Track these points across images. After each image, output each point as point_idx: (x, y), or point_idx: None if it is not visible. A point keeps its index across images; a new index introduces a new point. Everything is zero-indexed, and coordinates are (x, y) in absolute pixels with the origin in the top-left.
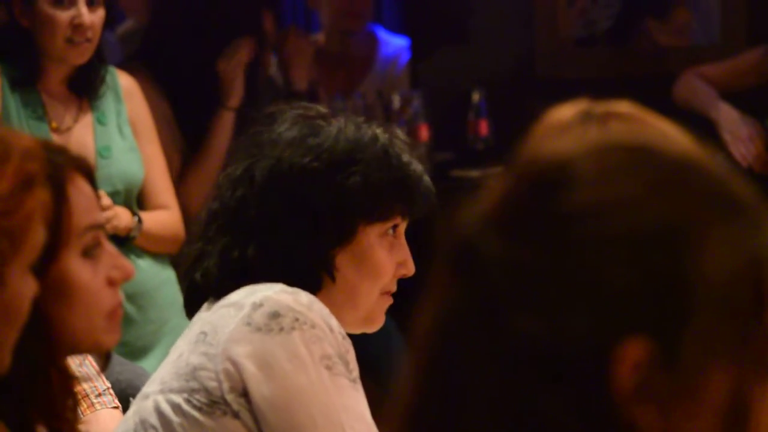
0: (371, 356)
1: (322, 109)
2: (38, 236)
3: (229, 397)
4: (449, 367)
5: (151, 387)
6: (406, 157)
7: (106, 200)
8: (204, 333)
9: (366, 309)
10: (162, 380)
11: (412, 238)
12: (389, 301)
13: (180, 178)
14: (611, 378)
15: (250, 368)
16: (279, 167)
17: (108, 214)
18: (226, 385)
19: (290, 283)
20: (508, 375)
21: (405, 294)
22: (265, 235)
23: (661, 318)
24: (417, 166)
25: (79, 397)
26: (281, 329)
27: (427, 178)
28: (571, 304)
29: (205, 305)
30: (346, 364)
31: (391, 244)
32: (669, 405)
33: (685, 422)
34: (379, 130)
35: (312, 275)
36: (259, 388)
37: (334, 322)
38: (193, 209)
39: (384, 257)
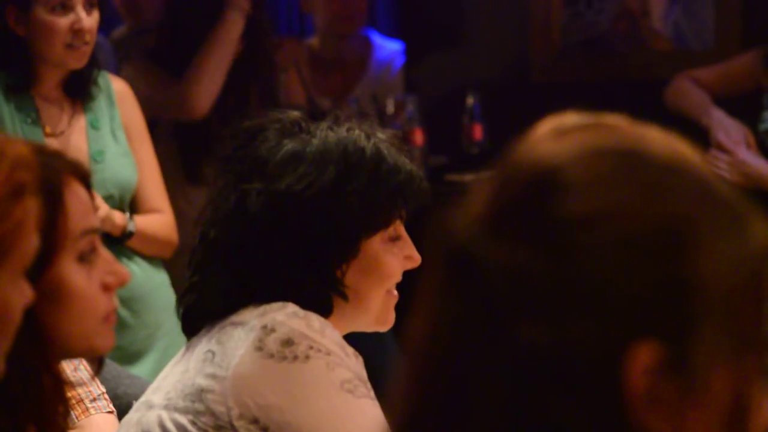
0: (366, 360)
1: (299, 115)
2: (30, 244)
3: (238, 424)
4: (449, 374)
5: (155, 397)
6: (393, 160)
7: (98, 200)
8: (212, 352)
9: (376, 311)
10: (167, 395)
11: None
12: (396, 297)
13: (183, 78)
14: (621, 383)
15: (269, 397)
16: (273, 200)
17: (101, 213)
18: (235, 412)
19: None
20: (516, 383)
21: (401, 289)
22: (270, 269)
23: (667, 321)
24: (406, 165)
25: (74, 401)
26: (295, 357)
27: (417, 172)
28: (577, 312)
29: (207, 327)
30: (365, 383)
31: (394, 244)
32: (679, 407)
33: (693, 424)
34: (362, 137)
35: (324, 301)
36: (282, 416)
37: (345, 344)
38: (198, 108)
39: (391, 260)
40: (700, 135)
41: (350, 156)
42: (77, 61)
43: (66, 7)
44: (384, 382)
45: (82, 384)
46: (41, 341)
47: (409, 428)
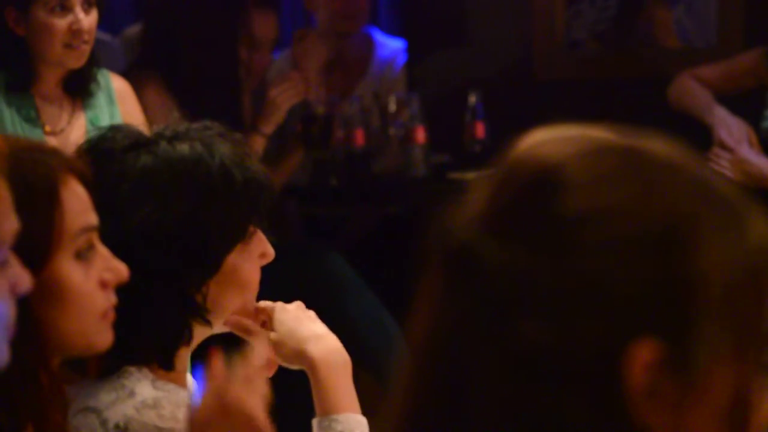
0: (370, 349)
1: (136, 129)
2: (8, 224)
3: None
4: (451, 371)
5: None
6: (242, 175)
7: None
8: None
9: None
10: None
11: (405, 237)
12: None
13: None
14: (622, 380)
15: None
16: (125, 238)
17: None
18: None
19: (163, 339)
20: (518, 380)
21: (402, 288)
22: (132, 307)
23: (668, 319)
24: (254, 176)
25: None
26: None
27: (265, 178)
28: (579, 309)
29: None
30: None
31: (250, 244)
32: (679, 404)
33: (694, 420)
34: (206, 155)
35: (185, 328)
36: None
37: None
38: None
39: (248, 266)
40: (702, 133)
41: (199, 183)
42: (76, 61)
43: (64, 8)
44: (387, 368)
45: None
46: (39, 339)
47: (410, 425)
